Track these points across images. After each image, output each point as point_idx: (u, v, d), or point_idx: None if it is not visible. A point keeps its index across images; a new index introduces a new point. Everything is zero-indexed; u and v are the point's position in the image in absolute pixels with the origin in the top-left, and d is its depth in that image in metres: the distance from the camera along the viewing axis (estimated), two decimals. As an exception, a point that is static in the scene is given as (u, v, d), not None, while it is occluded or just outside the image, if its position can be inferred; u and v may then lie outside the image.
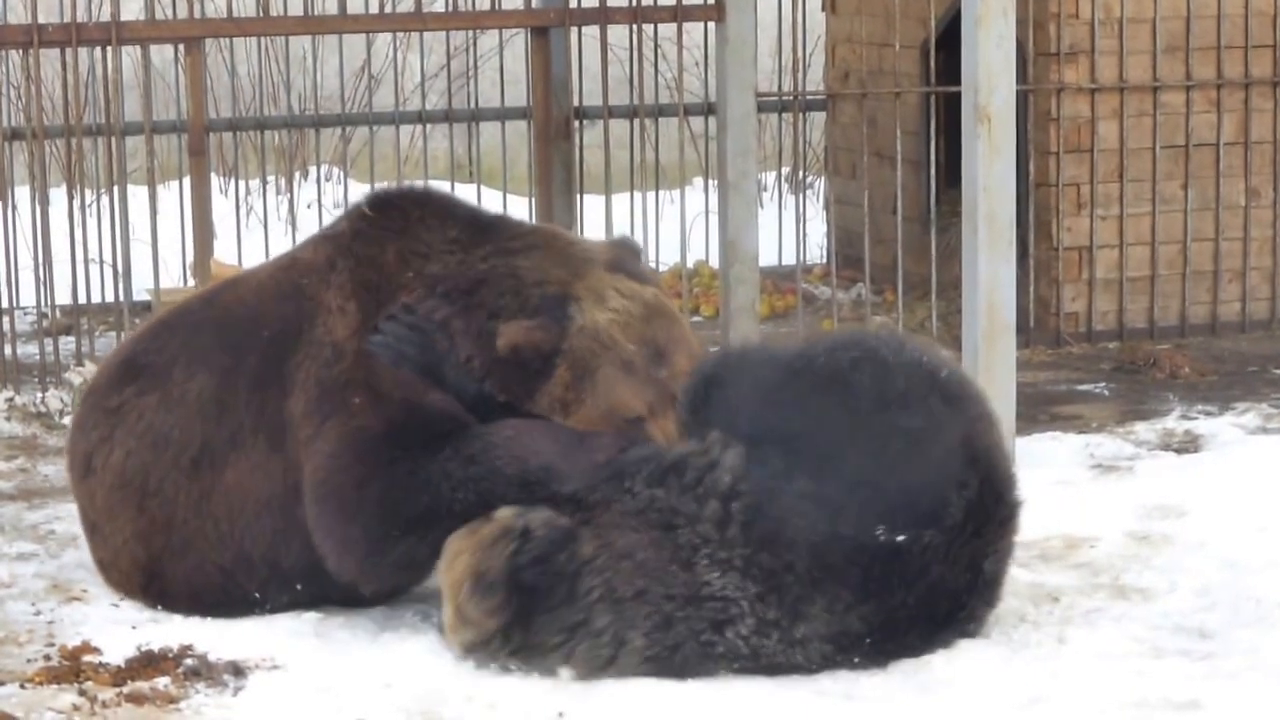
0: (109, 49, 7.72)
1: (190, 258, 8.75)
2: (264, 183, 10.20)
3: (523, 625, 4.56)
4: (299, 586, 5.03)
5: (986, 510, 4.65)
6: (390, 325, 4.88)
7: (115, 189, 8.05)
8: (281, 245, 9.19)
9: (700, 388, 4.82)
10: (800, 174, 9.50)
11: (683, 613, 4.50)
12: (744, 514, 4.54)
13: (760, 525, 4.52)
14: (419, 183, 5.53)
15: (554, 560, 4.54)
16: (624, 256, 5.03)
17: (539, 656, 4.58)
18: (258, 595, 5.03)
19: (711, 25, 8.36)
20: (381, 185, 5.36)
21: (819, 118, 10.49)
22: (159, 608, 5.12)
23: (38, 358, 7.90)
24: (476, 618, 4.60)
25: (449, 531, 4.71)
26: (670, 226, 9.40)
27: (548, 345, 4.81)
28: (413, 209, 5.09)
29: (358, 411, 4.87)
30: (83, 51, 8.08)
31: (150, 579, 5.14)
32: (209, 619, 5.02)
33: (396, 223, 5.07)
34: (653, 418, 4.84)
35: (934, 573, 4.58)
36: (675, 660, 4.51)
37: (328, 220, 8.89)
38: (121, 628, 4.99)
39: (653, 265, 9.12)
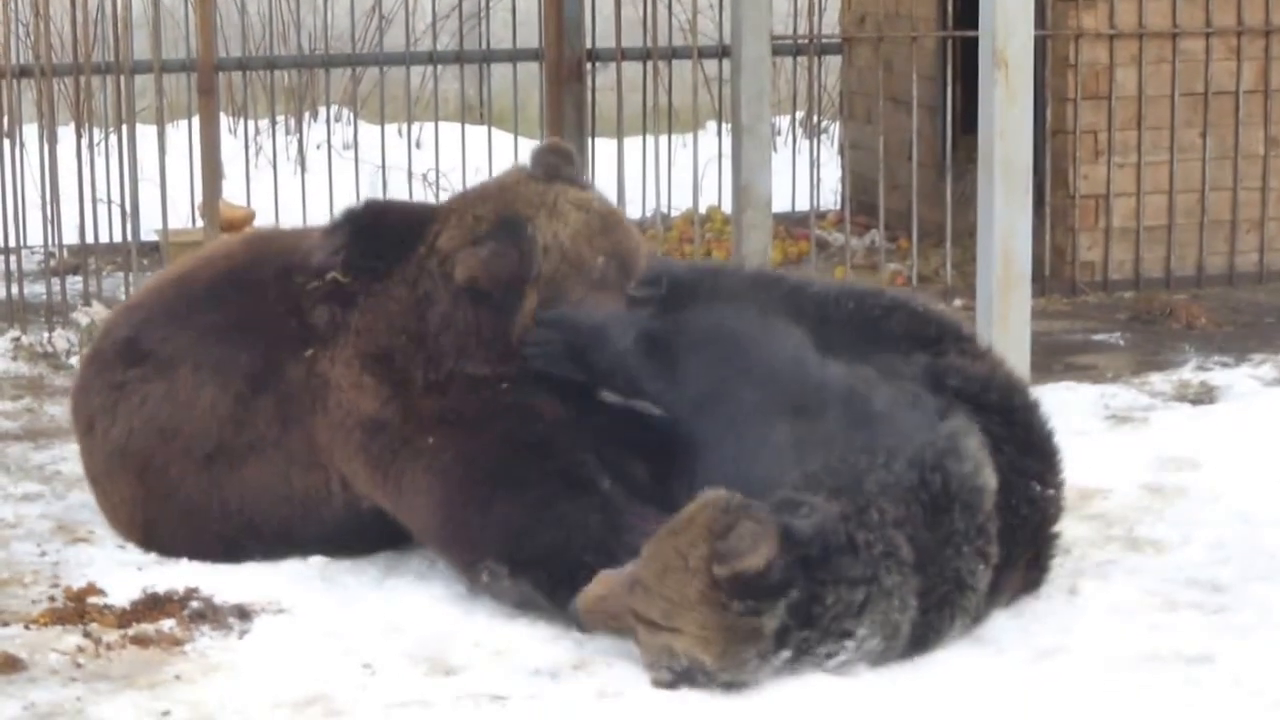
0: (117, -14, 7.67)
1: (199, 198, 8.70)
2: (273, 123, 10.15)
3: (815, 587, 4.05)
4: (303, 552, 5.03)
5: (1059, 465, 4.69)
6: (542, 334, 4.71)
7: (124, 128, 8.00)
8: (290, 186, 9.17)
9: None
10: (815, 119, 9.44)
11: (951, 596, 4.25)
12: (996, 516, 4.36)
13: (998, 519, 4.38)
14: (370, 202, 5.29)
15: (828, 518, 4.11)
16: (558, 164, 4.80)
17: (829, 639, 4.09)
18: (258, 556, 5.00)
19: (726, -33, 8.27)
20: (341, 220, 5.12)
21: (834, 62, 10.40)
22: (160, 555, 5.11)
23: (45, 297, 7.86)
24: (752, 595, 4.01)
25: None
26: (683, 171, 9.33)
27: (506, 273, 4.61)
28: (380, 263, 4.90)
29: (430, 453, 4.73)
30: (91, -12, 8.02)
31: (148, 535, 5.13)
32: (214, 563, 4.98)
33: (373, 288, 4.89)
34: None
35: (1053, 540, 4.63)
36: (928, 637, 4.23)
37: (337, 163, 8.79)
38: (127, 570, 4.97)
39: (664, 211, 9.09)
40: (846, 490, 4.21)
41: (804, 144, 10.18)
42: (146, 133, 8.56)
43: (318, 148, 10.61)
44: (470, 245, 4.72)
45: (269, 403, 4.96)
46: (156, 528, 5.10)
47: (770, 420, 4.40)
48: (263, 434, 4.97)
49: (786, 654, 4.09)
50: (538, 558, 4.51)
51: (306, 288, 4.98)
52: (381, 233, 4.99)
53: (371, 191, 8.54)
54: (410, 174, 9.09)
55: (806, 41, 9.02)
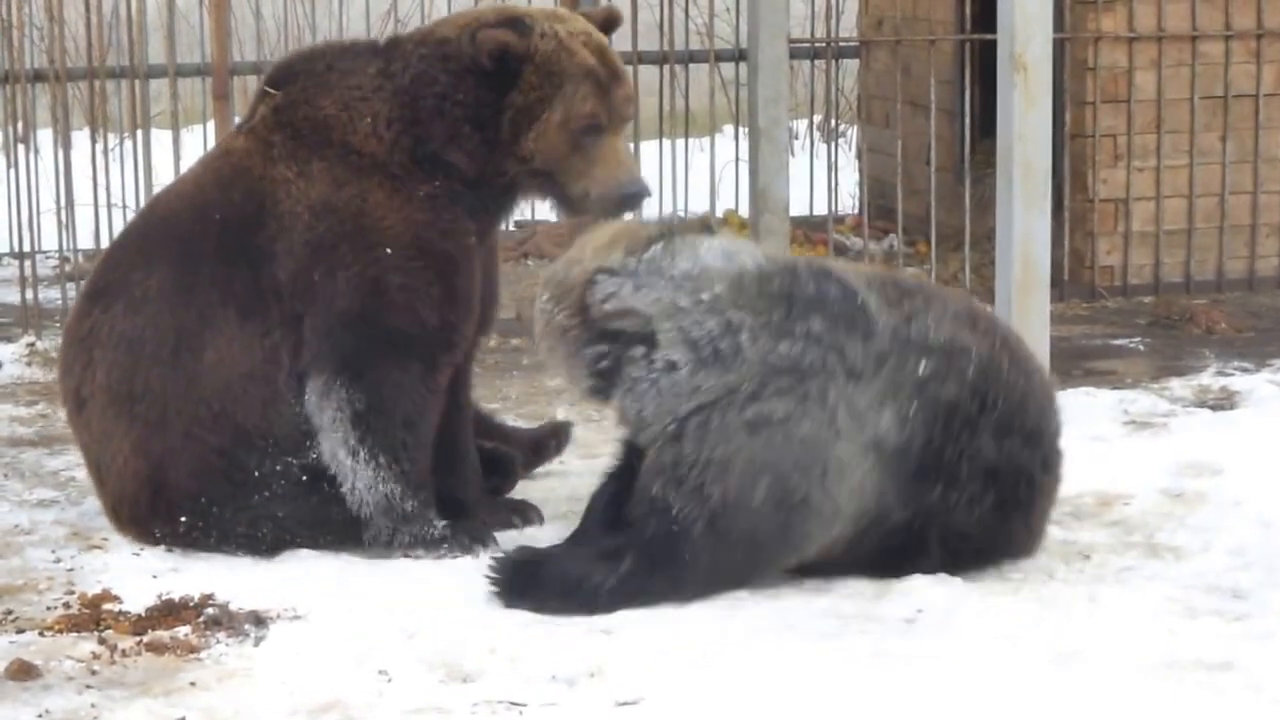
0: (133, -10, 7.68)
1: (214, 202, 8.69)
2: (289, 127, 10.12)
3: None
4: (292, 460, 5.06)
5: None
6: None
7: (138, 132, 8.01)
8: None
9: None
10: (832, 122, 9.42)
11: (829, 359, 4.64)
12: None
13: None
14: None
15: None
16: (605, 23, 5.22)
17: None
18: (257, 473, 5.02)
19: (743, -30, 8.26)
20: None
21: (852, 65, 10.40)
22: (166, 524, 5.09)
23: (59, 303, 7.86)
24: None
25: None
26: (700, 175, 9.32)
27: (521, 48, 4.94)
28: (317, 64, 5.12)
29: (366, 261, 4.96)
30: (107, -8, 8.03)
31: (155, 491, 5.10)
32: (232, 566, 4.99)
33: (314, 83, 5.10)
34: (610, 131, 5.06)
35: (1022, 493, 4.77)
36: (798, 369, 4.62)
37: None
38: (142, 576, 4.96)
39: (681, 214, 9.07)
40: None
41: (821, 148, 10.16)
42: (161, 137, 8.57)
43: (333, 152, 10.61)
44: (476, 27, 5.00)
45: (209, 249, 5.02)
46: (160, 474, 5.06)
47: None
48: (208, 298, 5.00)
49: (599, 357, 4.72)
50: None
51: (239, 129, 5.20)
52: (318, 52, 5.19)
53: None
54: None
55: (824, 45, 9.01)
